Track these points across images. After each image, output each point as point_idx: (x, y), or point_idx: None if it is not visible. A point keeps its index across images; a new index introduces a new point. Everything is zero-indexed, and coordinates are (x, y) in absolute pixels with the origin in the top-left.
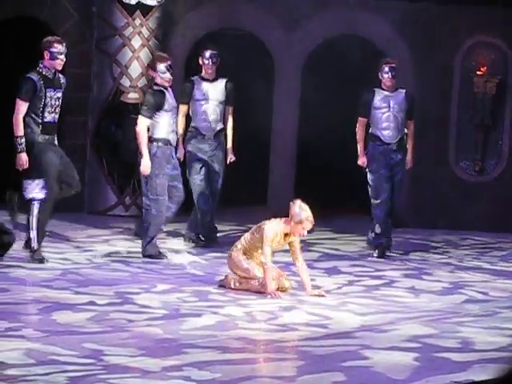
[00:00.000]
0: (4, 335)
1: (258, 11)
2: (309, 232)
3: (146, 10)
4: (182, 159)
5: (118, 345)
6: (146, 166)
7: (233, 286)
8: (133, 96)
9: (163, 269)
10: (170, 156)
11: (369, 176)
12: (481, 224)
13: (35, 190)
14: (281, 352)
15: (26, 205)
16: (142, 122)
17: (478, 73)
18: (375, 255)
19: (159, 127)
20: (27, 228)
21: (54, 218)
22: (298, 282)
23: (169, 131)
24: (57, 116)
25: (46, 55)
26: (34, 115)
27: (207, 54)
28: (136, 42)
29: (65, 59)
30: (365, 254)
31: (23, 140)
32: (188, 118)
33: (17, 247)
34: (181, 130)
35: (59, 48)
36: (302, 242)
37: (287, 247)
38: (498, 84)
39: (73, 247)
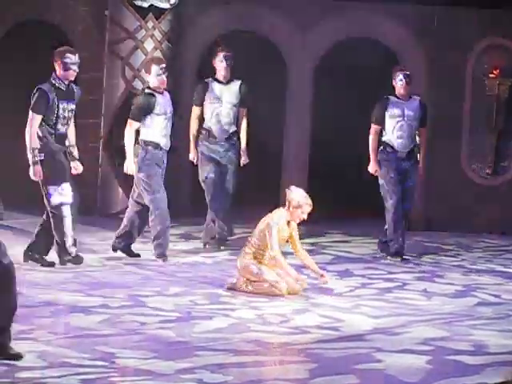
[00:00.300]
0: (17, 338)
1: (271, 13)
2: (308, 215)
3: (158, 12)
4: (195, 161)
5: (130, 347)
6: (129, 167)
7: (244, 289)
8: None
9: (175, 271)
10: (161, 160)
11: (379, 181)
12: (493, 226)
13: (62, 195)
14: (293, 355)
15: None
16: (130, 125)
17: (491, 75)
18: (389, 257)
19: (150, 131)
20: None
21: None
22: (310, 284)
23: (160, 135)
24: (68, 128)
25: (59, 66)
26: (47, 127)
27: (221, 55)
28: (148, 45)
29: (78, 70)
30: (377, 256)
31: (37, 152)
32: (201, 120)
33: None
34: (194, 133)
35: (72, 58)
36: (314, 244)
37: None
38: (510, 86)
39: (85, 250)
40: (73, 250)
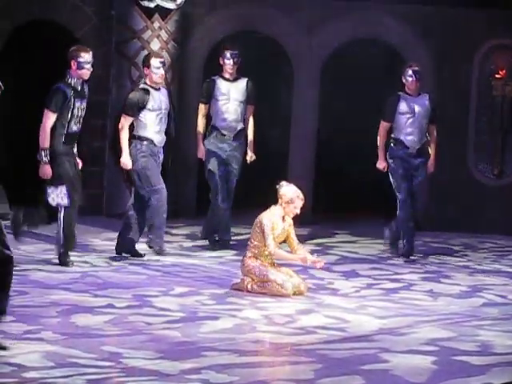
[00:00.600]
0: (23, 338)
1: (277, 14)
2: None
3: (164, 13)
4: (203, 158)
5: (136, 347)
6: (125, 161)
7: (250, 289)
8: None
9: (181, 272)
10: (155, 156)
11: (390, 178)
12: (499, 227)
13: (60, 197)
14: (299, 355)
15: (31, 219)
16: (123, 120)
17: (497, 76)
18: (399, 256)
19: (143, 126)
20: (58, 234)
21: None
22: (315, 284)
23: (154, 131)
24: (80, 126)
25: (74, 65)
26: (60, 126)
27: (228, 53)
28: (155, 45)
29: (91, 69)
30: (383, 256)
31: (48, 152)
32: (208, 118)
33: (34, 249)
34: (201, 130)
35: (86, 57)
36: (320, 245)
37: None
38: None
39: (91, 250)
40: (61, 250)
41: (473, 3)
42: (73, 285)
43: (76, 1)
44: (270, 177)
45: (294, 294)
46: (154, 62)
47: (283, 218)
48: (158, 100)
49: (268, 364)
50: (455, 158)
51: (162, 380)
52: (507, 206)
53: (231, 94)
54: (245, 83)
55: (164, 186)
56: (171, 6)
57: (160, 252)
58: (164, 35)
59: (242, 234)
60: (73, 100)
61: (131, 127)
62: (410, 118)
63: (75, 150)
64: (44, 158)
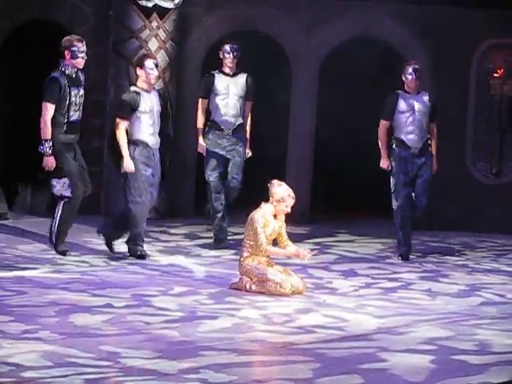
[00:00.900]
0: (21, 337)
1: (275, 14)
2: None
3: (162, 12)
4: (203, 153)
5: (134, 347)
6: (127, 165)
7: (248, 289)
8: None
9: (180, 271)
10: (150, 159)
11: (390, 179)
12: (498, 226)
13: (63, 188)
14: (297, 354)
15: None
16: (119, 123)
17: (495, 75)
18: (397, 258)
19: (136, 129)
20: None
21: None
22: (313, 284)
23: (147, 133)
24: (80, 114)
25: (67, 54)
26: (60, 115)
27: (228, 48)
28: (153, 45)
29: (86, 57)
30: (382, 256)
31: (51, 143)
32: (208, 113)
33: (32, 249)
34: (201, 125)
35: (80, 46)
36: (319, 244)
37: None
38: None
39: (90, 250)
40: (54, 239)
41: (471, 3)
42: (71, 284)
43: (75, 1)
44: (267, 176)
45: (293, 293)
46: (148, 63)
47: (275, 216)
48: (150, 102)
49: (266, 363)
50: (453, 157)
51: (161, 379)
52: (505, 205)
53: (230, 89)
54: (244, 78)
55: (147, 198)
56: (169, 5)
57: (141, 257)
58: (162, 35)
59: (239, 234)
60: (68, 89)
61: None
62: (409, 117)
63: (75, 143)
64: (47, 150)
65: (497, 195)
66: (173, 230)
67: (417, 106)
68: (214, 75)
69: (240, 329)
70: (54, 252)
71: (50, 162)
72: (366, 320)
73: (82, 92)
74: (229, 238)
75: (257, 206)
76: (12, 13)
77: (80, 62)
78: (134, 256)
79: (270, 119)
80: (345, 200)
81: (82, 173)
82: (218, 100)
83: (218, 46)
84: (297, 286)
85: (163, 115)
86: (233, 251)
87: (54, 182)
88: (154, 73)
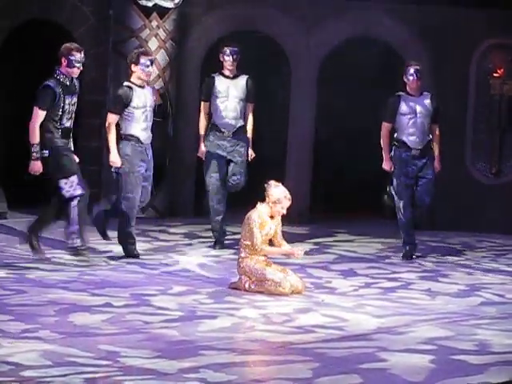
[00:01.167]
0: (21, 337)
1: (275, 13)
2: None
3: (162, 12)
4: (202, 158)
5: (134, 346)
6: (113, 159)
7: (247, 288)
8: None
9: (179, 270)
10: (143, 154)
11: (393, 181)
12: (497, 226)
13: (73, 188)
14: (297, 354)
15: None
16: (109, 118)
17: (495, 75)
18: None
19: (128, 124)
20: (68, 224)
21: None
22: (312, 283)
23: (140, 128)
24: (72, 121)
25: (64, 61)
26: (53, 122)
27: (228, 50)
28: (153, 45)
29: (81, 68)
30: (381, 255)
31: (38, 148)
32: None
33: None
34: (202, 130)
35: (78, 56)
36: (318, 244)
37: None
38: None
39: (89, 249)
40: (76, 241)
41: (471, 3)
42: (71, 284)
43: (75, 0)
44: (267, 176)
45: (292, 292)
46: (144, 59)
47: (271, 216)
48: (143, 97)
49: (266, 363)
50: (453, 157)
51: (160, 379)
52: (505, 205)
53: (230, 92)
54: (245, 81)
55: (139, 194)
56: (169, 5)
57: (136, 256)
58: (162, 34)
59: (238, 233)
60: (62, 97)
61: (118, 127)
62: (411, 119)
63: (71, 147)
64: (35, 154)
65: (496, 195)
66: (172, 230)
67: (418, 108)
68: (214, 78)
69: (239, 328)
70: (53, 251)
71: (36, 167)
72: (366, 320)
73: (75, 100)
74: (228, 237)
75: (254, 206)
76: (12, 13)
77: (75, 72)
78: (130, 256)
79: (269, 119)
80: (344, 200)
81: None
82: (219, 102)
83: (218, 45)
84: (296, 286)
85: (161, 115)
86: (232, 251)
87: (62, 183)
88: (149, 69)
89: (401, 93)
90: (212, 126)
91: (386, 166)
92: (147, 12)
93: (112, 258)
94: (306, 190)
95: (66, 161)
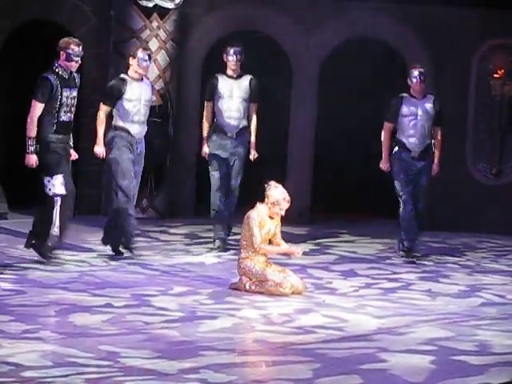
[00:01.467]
0: (21, 337)
1: (276, 14)
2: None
3: (163, 12)
4: (206, 157)
5: (134, 347)
6: (96, 149)
7: (248, 289)
8: None
9: (180, 271)
10: (132, 145)
11: (394, 182)
12: (498, 227)
13: (57, 186)
14: (297, 355)
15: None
16: (100, 108)
17: (495, 75)
18: (401, 255)
19: (119, 115)
20: (48, 224)
21: (69, 221)
22: (313, 284)
23: (130, 121)
24: (72, 115)
25: (62, 55)
26: (49, 115)
27: (231, 50)
28: (153, 45)
29: (80, 62)
30: (382, 256)
31: (34, 141)
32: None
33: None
34: (206, 130)
35: (76, 50)
36: (319, 244)
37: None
38: None
39: (89, 249)
40: (52, 243)
41: (472, 3)
42: (71, 284)
43: (75, 1)
44: (267, 176)
45: (293, 293)
46: (141, 53)
47: (270, 217)
48: (138, 91)
49: (266, 363)
50: (454, 158)
51: (160, 379)
52: (506, 206)
53: (234, 92)
54: (248, 81)
55: (131, 182)
56: (170, 5)
57: (131, 251)
58: (162, 35)
59: (239, 234)
60: (60, 89)
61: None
62: (412, 121)
63: (71, 142)
64: (30, 148)
65: (497, 196)
66: (173, 230)
67: (420, 111)
68: (217, 78)
69: (240, 329)
70: (55, 252)
71: (31, 160)
72: (366, 320)
73: (74, 94)
74: (229, 237)
75: (254, 206)
76: (12, 13)
77: (73, 65)
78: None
79: (270, 119)
80: (345, 200)
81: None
82: (222, 102)
83: (219, 46)
84: (296, 286)
85: (162, 115)
86: (233, 251)
87: (46, 180)
88: (145, 63)
89: (404, 94)
90: (215, 127)
91: (384, 165)
92: (148, 12)
93: (112, 258)
94: (307, 190)
95: (53, 159)
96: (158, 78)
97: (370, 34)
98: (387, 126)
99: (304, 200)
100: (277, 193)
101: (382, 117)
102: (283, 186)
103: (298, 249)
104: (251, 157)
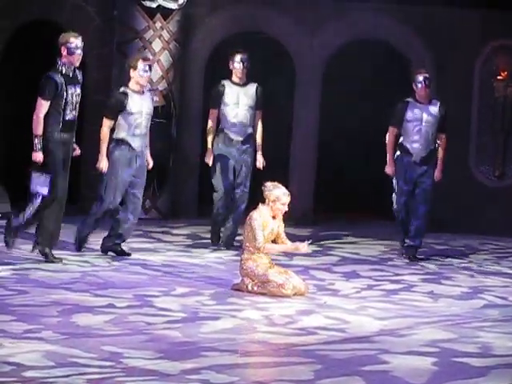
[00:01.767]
0: (23, 337)
1: (279, 14)
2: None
3: (166, 13)
4: (210, 163)
5: (136, 347)
6: (99, 164)
7: (250, 290)
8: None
9: (182, 272)
10: (132, 160)
11: (393, 182)
12: (501, 229)
13: (41, 185)
14: (299, 356)
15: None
16: (103, 123)
17: (499, 77)
18: (404, 256)
19: (120, 128)
20: (17, 214)
21: (73, 221)
22: (315, 285)
23: (131, 134)
24: (76, 114)
25: (64, 51)
26: (55, 113)
27: (238, 57)
28: (156, 46)
29: (82, 54)
30: (384, 258)
31: (41, 139)
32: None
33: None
34: (210, 136)
35: (76, 43)
36: (321, 246)
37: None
38: None
39: (92, 250)
40: (12, 234)
41: (473, 4)
42: (73, 284)
43: (78, 1)
44: (271, 177)
45: (295, 294)
46: (141, 65)
47: (273, 217)
48: (139, 103)
49: (268, 364)
50: (457, 160)
51: (163, 380)
52: (508, 208)
53: (240, 99)
54: (254, 88)
55: (112, 201)
56: (173, 6)
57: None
58: (166, 35)
59: (241, 235)
60: (65, 87)
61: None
62: (416, 126)
63: (73, 140)
64: (37, 145)
65: (500, 198)
66: (175, 231)
67: (425, 116)
68: (224, 85)
69: (242, 330)
70: (55, 252)
71: (37, 158)
72: (368, 322)
73: (78, 91)
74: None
75: (255, 207)
76: (13, 13)
77: (76, 59)
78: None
79: (273, 120)
80: (347, 201)
81: (64, 176)
82: (228, 110)
83: (222, 46)
84: (298, 288)
85: (165, 116)
86: (235, 252)
87: (34, 175)
88: (147, 74)
89: (409, 99)
90: (221, 133)
91: (389, 170)
92: (151, 13)
93: (115, 258)
94: (310, 190)
95: (51, 159)
96: (161, 79)
97: (371, 34)
98: (392, 130)
99: (307, 201)
100: (275, 190)
101: (387, 120)
102: (286, 187)
103: (302, 243)
104: (258, 164)
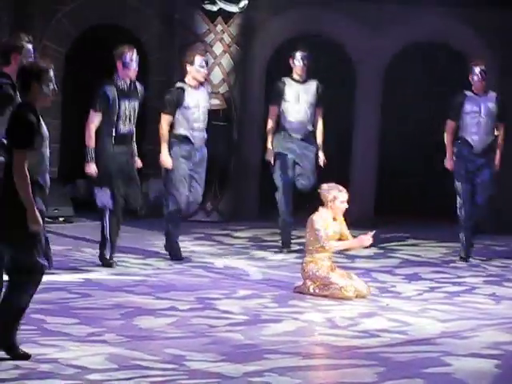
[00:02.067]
0: (87, 340)
1: (339, 16)
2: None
3: (227, 16)
4: (271, 161)
5: (199, 350)
6: (163, 159)
7: (312, 292)
8: (214, 102)
9: (243, 274)
10: (190, 154)
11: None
12: None
13: (105, 198)
14: (361, 358)
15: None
16: (162, 118)
17: None
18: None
19: (178, 124)
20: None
21: (135, 224)
22: (377, 287)
23: (189, 128)
24: (133, 127)
25: (119, 65)
26: (107, 126)
27: (298, 55)
28: (217, 49)
29: (137, 67)
30: (446, 260)
31: (93, 150)
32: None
33: (96, 252)
34: (270, 132)
35: (130, 55)
36: (383, 248)
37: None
38: None
39: (154, 253)
40: (106, 253)
41: None
42: (136, 287)
43: (140, 5)
44: (331, 177)
45: (356, 297)
46: (198, 60)
47: (334, 219)
48: (196, 98)
49: (330, 367)
50: None
51: (225, 382)
52: None
53: (301, 96)
54: (315, 86)
55: (183, 194)
56: (234, 9)
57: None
58: (227, 38)
59: (303, 237)
60: (117, 100)
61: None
62: (475, 118)
63: (135, 151)
64: (88, 157)
65: None
66: (237, 233)
67: (483, 108)
68: (284, 82)
69: (304, 332)
70: (119, 255)
71: (90, 169)
72: (430, 324)
73: (134, 104)
74: (293, 241)
75: (316, 210)
76: (79, 18)
77: (132, 72)
78: (170, 254)
79: (334, 121)
80: (410, 203)
81: (128, 184)
82: (289, 106)
83: (283, 49)
84: (360, 290)
85: (226, 118)
86: (297, 254)
87: (96, 190)
88: (203, 70)
89: (466, 91)
90: (281, 130)
91: (448, 164)
92: (212, 16)
93: (177, 261)
94: (371, 192)
95: (106, 171)
96: (223, 82)
97: (434, 37)
98: (450, 123)
99: (368, 202)
100: (332, 190)
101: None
102: (346, 188)
103: (366, 236)
104: (320, 162)
